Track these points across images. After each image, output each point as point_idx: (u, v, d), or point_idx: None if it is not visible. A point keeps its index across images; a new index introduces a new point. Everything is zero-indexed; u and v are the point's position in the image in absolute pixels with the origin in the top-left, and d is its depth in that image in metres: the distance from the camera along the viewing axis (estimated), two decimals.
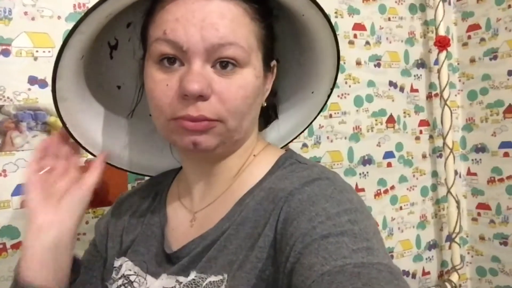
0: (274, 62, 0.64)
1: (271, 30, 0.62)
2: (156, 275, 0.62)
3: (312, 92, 0.71)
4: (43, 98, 0.94)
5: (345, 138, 1.33)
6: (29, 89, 0.93)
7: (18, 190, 0.92)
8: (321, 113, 1.26)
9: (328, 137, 1.30)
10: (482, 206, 1.47)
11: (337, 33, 1.32)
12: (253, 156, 0.64)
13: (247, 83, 0.56)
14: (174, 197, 0.70)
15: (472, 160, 1.50)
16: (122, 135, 0.73)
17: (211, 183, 0.64)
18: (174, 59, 0.55)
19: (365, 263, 0.44)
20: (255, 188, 0.60)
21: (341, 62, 1.31)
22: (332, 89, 0.70)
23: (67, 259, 0.61)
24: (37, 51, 0.94)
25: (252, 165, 0.64)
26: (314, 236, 0.48)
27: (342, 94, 1.32)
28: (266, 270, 0.53)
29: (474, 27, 1.47)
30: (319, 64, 0.68)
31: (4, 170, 0.91)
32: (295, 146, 1.24)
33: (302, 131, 0.77)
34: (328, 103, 1.27)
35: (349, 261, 0.44)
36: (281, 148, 0.76)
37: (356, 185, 1.35)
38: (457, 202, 1.38)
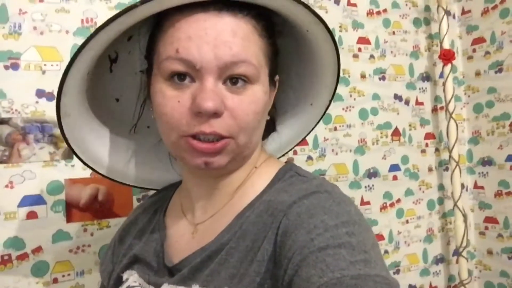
0: (277, 77, 0.65)
1: (275, 45, 0.63)
2: (157, 286, 0.62)
3: (311, 104, 0.72)
4: (50, 111, 0.95)
5: (350, 151, 1.33)
6: (37, 102, 0.95)
7: (24, 202, 0.93)
8: (326, 126, 1.28)
9: (333, 150, 1.30)
10: (490, 219, 1.45)
11: (341, 47, 1.33)
12: (255, 168, 0.65)
13: (257, 98, 0.57)
14: (176, 210, 0.70)
15: (479, 173, 1.49)
16: (125, 150, 0.73)
17: (214, 196, 0.64)
18: (184, 75, 0.55)
19: (362, 274, 0.44)
20: (255, 201, 0.60)
21: (346, 75, 1.32)
22: (330, 102, 0.71)
23: None
24: (45, 65, 0.96)
25: (253, 178, 0.64)
26: (312, 248, 0.48)
27: (347, 107, 1.33)
28: (264, 284, 0.53)
29: (479, 40, 1.48)
30: (318, 77, 0.69)
31: (11, 182, 0.92)
32: (300, 159, 1.25)
33: (300, 142, 0.77)
34: (333, 115, 1.29)
35: (346, 273, 0.44)
36: (280, 157, 0.77)
37: (362, 198, 1.34)
38: (464, 215, 1.37)
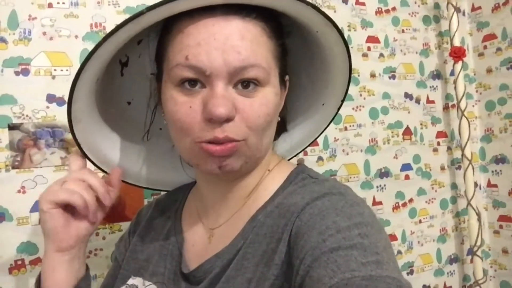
0: (287, 77, 0.64)
1: (284, 46, 0.62)
2: None
3: (323, 104, 0.71)
4: (61, 115, 0.96)
5: (361, 150, 1.32)
6: (47, 107, 0.95)
7: (36, 206, 0.93)
8: (336, 126, 1.27)
9: (343, 150, 1.29)
10: (504, 218, 1.43)
11: (350, 46, 1.31)
12: (268, 171, 0.64)
13: (268, 100, 0.57)
14: (192, 213, 0.70)
15: (492, 171, 1.47)
16: (137, 153, 0.73)
17: (228, 201, 0.64)
18: (195, 81, 0.55)
19: (374, 276, 0.44)
20: (268, 203, 0.60)
21: (355, 75, 1.31)
22: (342, 102, 0.70)
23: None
24: (55, 70, 0.96)
25: (266, 181, 0.63)
26: (324, 249, 0.47)
27: (357, 107, 1.31)
28: (282, 286, 0.52)
29: (490, 37, 1.46)
30: (330, 78, 0.68)
31: (23, 187, 0.93)
32: (311, 160, 1.24)
33: (311, 143, 0.77)
34: (343, 115, 1.28)
35: (357, 274, 0.44)
36: (290, 159, 0.76)
37: (374, 198, 1.33)
38: (478, 214, 1.35)
